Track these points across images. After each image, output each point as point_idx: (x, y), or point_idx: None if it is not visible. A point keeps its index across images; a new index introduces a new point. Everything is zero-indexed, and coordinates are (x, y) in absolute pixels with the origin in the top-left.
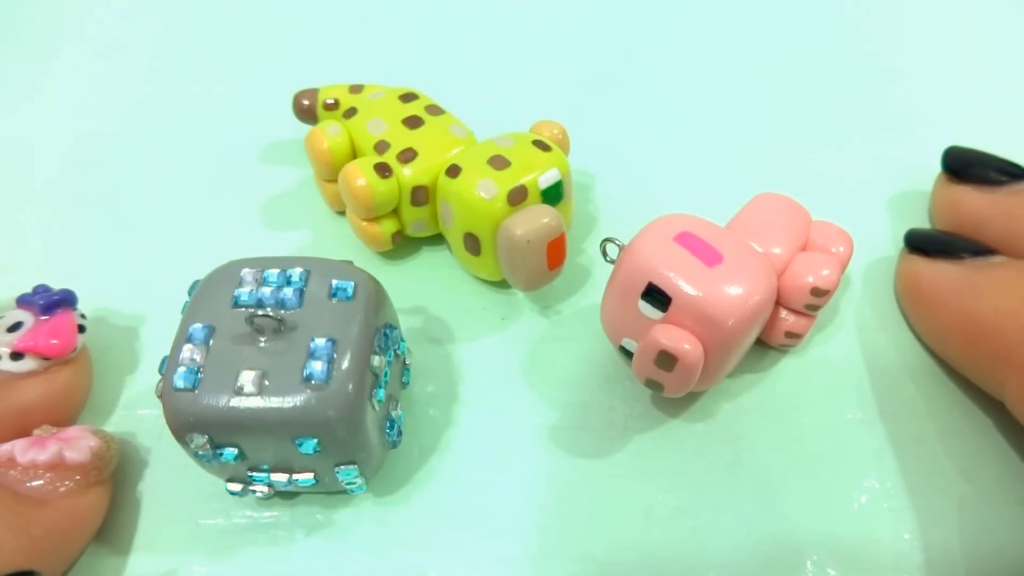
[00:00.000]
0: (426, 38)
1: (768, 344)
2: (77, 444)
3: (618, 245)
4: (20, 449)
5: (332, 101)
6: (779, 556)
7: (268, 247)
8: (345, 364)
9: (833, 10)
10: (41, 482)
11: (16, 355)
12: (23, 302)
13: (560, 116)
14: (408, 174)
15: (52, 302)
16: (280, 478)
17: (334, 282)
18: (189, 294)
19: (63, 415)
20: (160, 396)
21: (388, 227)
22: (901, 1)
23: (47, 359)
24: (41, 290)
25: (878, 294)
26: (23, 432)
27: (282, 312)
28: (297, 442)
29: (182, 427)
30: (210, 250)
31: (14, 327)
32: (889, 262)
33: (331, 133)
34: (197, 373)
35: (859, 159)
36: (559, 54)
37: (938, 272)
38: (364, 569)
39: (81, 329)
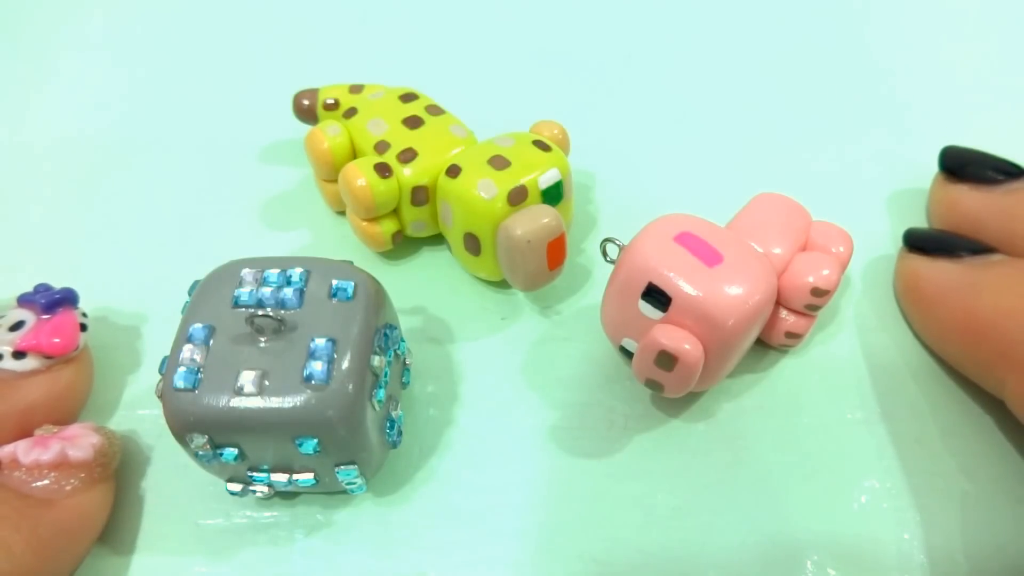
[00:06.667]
0: (426, 38)
1: (768, 344)
2: (80, 442)
3: (618, 245)
4: (23, 450)
5: (332, 101)
6: (779, 556)
7: (268, 247)
8: (345, 364)
9: (833, 10)
10: (46, 482)
11: (19, 354)
12: (24, 301)
13: (560, 116)
14: (408, 174)
15: (54, 301)
16: (280, 478)
17: (334, 282)
18: (189, 294)
19: (65, 414)
20: (160, 396)
21: (388, 227)
22: (900, 1)
23: (49, 358)
24: (42, 289)
25: (878, 294)
26: (26, 431)
27: (282, 312)
28: (297, 442)
29: (182, 427)
30: (210, 250)
31: (16, 326)
32: (889, 261)
33: (331, 133)
34: (197, 373)
35: (858, 159)
36: (559, 54)
37: (937, 271)
38: (364, 569)
39: (83, 327)
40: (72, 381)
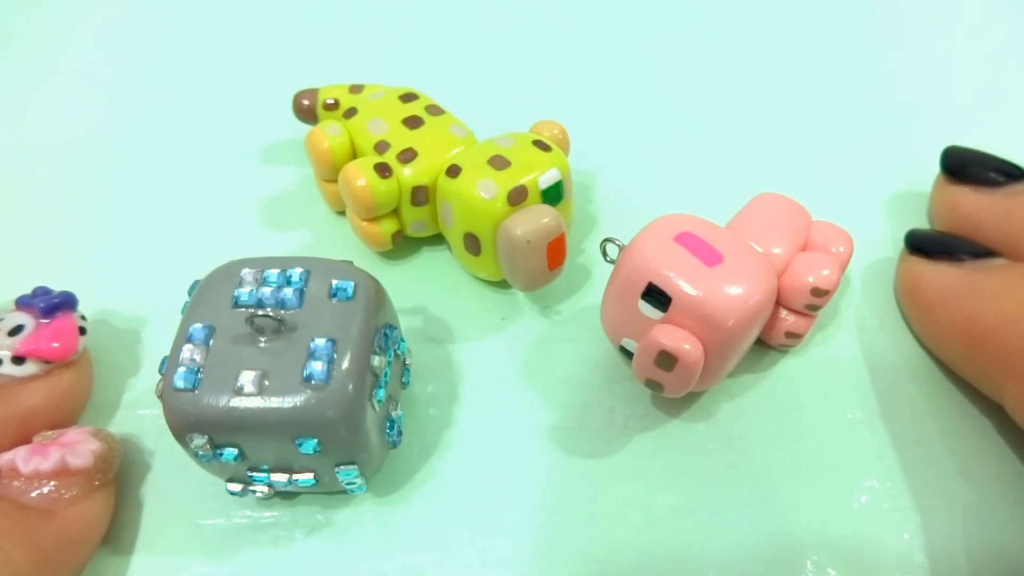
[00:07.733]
0: (426, 38)
1: (768, 344)
2: (79, 449)
3: (618, 245)
4: (22, 458)
5: (332, 101)
6: (779, 556)
7: (268, 247)
8: (345, 364)
9: (833, 11)
10: (46, 491)
11: (18, 359)
12: (23, 304)
13: (560, 116)
14: (408, 174)
15: (53, 305)
16: (280, 478)
17: (334, 282)
18: (189, 294)
19: (65, 417)
20: (160, 396)
21: (388, 227)
22: (901, 2)
23: (49, 362)
24: (41, 292)
25: (878, 294)
26: (25, 436)
27: (282, 312)
28: (297, 442)
29: (182, 427)
30: (210, 250)
31: (15, 330)
32: (889, 262)
33: (331, 133)
34: (197, 373)
35: (859, 159)
36: (559, 54)
37: (938, 274)
38: (364, 569)
39: (82, 331)
40: (72, 385)
